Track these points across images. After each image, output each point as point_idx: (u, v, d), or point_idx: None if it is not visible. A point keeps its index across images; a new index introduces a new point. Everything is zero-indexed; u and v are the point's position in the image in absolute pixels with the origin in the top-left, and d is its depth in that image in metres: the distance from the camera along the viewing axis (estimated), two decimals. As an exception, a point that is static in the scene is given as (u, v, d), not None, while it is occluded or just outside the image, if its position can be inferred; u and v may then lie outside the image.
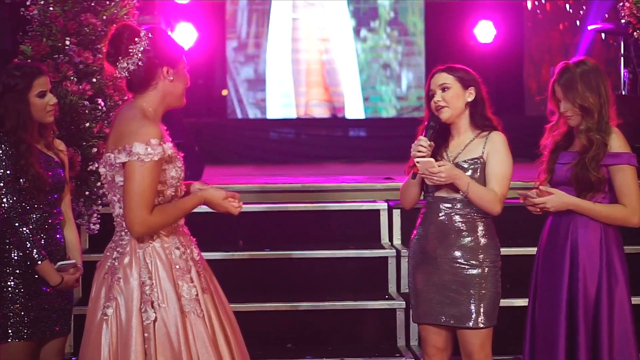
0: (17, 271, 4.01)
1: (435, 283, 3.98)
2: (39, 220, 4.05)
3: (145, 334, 3.22)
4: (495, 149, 3.95)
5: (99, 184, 5.11)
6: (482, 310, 3.93)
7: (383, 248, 5.92)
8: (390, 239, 6.04)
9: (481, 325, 3.93)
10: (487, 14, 12.19)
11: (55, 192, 4.11)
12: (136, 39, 3.29)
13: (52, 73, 4.90)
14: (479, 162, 3.95)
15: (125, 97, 3.46)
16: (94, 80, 5.27)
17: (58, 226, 4.14)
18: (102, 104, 5.30)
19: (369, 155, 10.91)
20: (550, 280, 3.97)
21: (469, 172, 3.93)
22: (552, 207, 3.90)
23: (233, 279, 5.22)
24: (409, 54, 12.81)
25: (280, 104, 12.73)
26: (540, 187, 3.95)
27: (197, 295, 3.30)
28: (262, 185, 6.56)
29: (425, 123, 3.97)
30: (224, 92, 12.72)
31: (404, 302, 5.54)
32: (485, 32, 12.18)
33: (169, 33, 3.44)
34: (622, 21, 6.38)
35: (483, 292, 3.93)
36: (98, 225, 5.32)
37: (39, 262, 3.97)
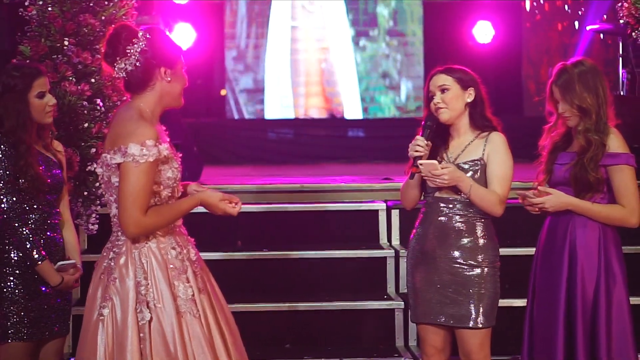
0: (17, 272, 4.01)
1: (434, 283, 3.98)
2: (38, 221, 4.05)
3: (141, 334, 3.22)
4: (495, 150, 3.95)
5: (97, 184, 5.10)
6: (481, 310, 3.93)
7: (382, 248, 5.92)
8: (389, 239, 6.04)
9: (480, 326, 3.93)
10: (486, 14, 12.19)
11: (54, 193, 4.11)
12: (134, 40, 3.29)
13: (50, 73, 4.89)
14: (479, 163, 3.95)
15: (124, 98, 3.46)
16: (93, 80, 5.27)
17: (57, 226, 4.14)
18: (101, 104, 5.29)
19: (368, 155, 10.91)
20: (549, 280, 3.97)
21: (470, 174, 3.93)
22: (551, 207, 3.90)
23: (232, 280, 5.23)
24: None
25: (279, 107, 12.73)
26: (539, 187, 3.95)
27: (193, 295, 3.30)
28: (260, 185, 6.56)
29: (423, 122, 3.97)
30: (223, 92, 12.72)
31: (403, 302, 5.54)
32: (483, 32, 12.18)
33: (167, 33, 3.44)
34: (621, 22, 6.38)
35: (482, 292, 3.94)
36: (96, 226, 5.31)
37: (39, 263, 3.97)
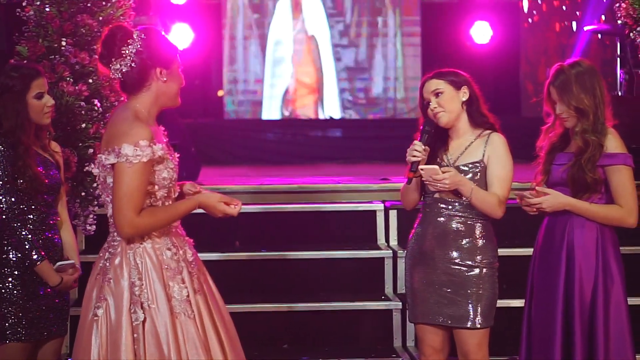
0: (16, 272, 4.01)
1: (432, 283, 3.99)
2: (37, 221, 4.05)
3: (135, 335, 3.22)
4: (496, 152, 3.96)
5: (95, 184, 5.10)
6: (479, 310, 3.94)
7: (379, 249, 5.92)
8: (387, 239, 6.04)
9: (478, 326, 3.94)
10: (484, 14, 12.19)
11: (52, 194, 4.11)
12: (129, 41, 3.29)
13: (48, 74, 4.89)
14: (479, 165, 3.96)
15: (122, 98, 3.45)
16: (90, 81, 5.26)
17: (55, 227, 4.14)
18: (99, 104, 5.29)
19: (366, 156, 10.90)
20: (547, 280, 3.97)
21: (470, 175, 3.94)
22: (548, 208, 3.90)
23: (229, 280, 5.22)
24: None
25: (277, 108, 12.73)
26: (537, 187, 3.95)
27: (188, 296, 3.30)
28: (258, 186, 6.56)
29: (421, 127, 3.97)
30: (220, 93, 12.71)
31: (401, 303, 5.54)
32: (481, 33, 12.18)
33: (163, 33, 3.43)
34: (619, 22, 6.38)
35: (480, 292, 3.94)
36: (94, 226, 5.31)
37: (38, 263, 3.97)
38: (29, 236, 3.97)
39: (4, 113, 4.01)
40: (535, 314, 4.02)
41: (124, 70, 3.30)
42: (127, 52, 3.28)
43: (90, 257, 4.73)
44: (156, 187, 3.29)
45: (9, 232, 3.98)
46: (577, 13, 11.67)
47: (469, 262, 3.95)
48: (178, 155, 3.46)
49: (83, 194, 5.25)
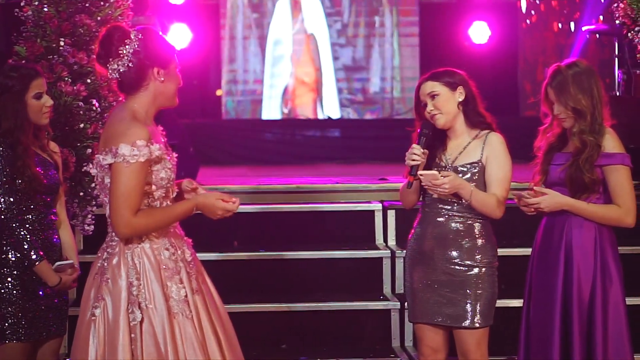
0: (15, 272, 4.01)
1: (432, 283, 3.99)
2: (35, 222, 4.05)
3: (132, 335, 3.22)
4: (494, 152, 3.96)
5: (93, 185, 5.10)
6: (478, 310, 3.94)
7: (378, 249, 5.92)
8: (385, 239, 6.04)
9: (477, 325, 3.94)
10: (482, 15, 12.19)
11: (50, 194, 4.11)
12: (126, 40, 3.29)
13: (46, 74, 4.88)
14: (477, 166, 3.96)
15: (120, 98, 3.45)
16: (89, 81, 5.27)
17: (54, 227, 4.14)
18: (97, 104, 5.29)
19: (364, 156, 10.90)
20: (545, 280, 3.97)
21: (468, 176, 3.94)
22: (546, 208, 3.90)
23: (228, 280, 5.22)
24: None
25: (276, 107, 12.73)
26: (535, 187, 3.95)
27: (186, 296, 3.30)
28: (257, 186, 6.56)
29: (419, 130, 3.97)
30: (219, 92, 12.70)
31: (399, 303, 5.54)
32: (479, 33, 12.18)
33: (160, 33, 3.43)
34: (617, 22, 6.38)
35: (479, 292, 3.95)
36: (92, 226, 5.31)
37: (37, 263, 3.97)
38: (28, 236, 3.97)
39: (3, 113, 4.01)
40: (533, 314, 4.02)
41: (121, 70, 3.30)
42: (124, 52, 3.28)
43: (88, 257, 4.73)
44: (154, 187, 3.29)
45: (8, 232, 3.98)
46: (576, 13, 11.66)
47: (469, 262, 3.95)
48: (176, 155, 3.46)
49: (81, 194, 5.25)
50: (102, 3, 5.38)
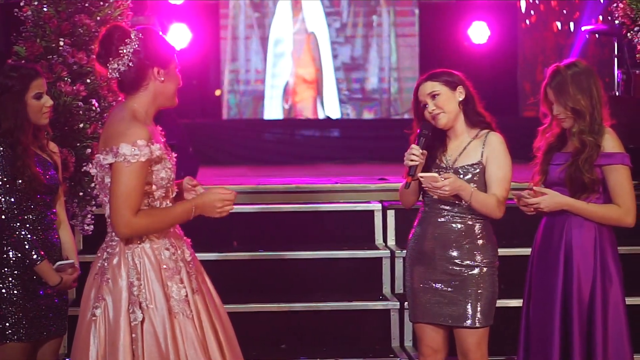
0: (15, 272, 4.01)
1: (432, 283, 3.99)
2: (35, 222, 4.05)
3: (133, 335, 3.22)
4: (494, 153, 3.96)
5: (92, 184, 5.09)
6: (479, 309, 3.94)
7: (377, 249, 5.92)
8: (385, 239, 6.04)
9: (478, 325, 3.94)
10: (481, 15, 12.19)
11: (50, 194, 4.11)
12: (127, 40, 3.29)
13: (46, 74, 4.88)
14: (478, 167, 3.96)
15: (119, 98, 3.45)
16: (88, 81, 5.26)
17: (54, 227, 4.14)
18: (96, 104, 5.29)
19: (364, 156, 10.90)
20: (545, 280, 3.97)
21: (469, 176, 3.94)
22: (546, 208, 3.90)
23: (228, 280, 5.22)
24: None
25: (275, 107, 12.75)
26: (534, 187, 3.95)
27: (186, 296, 3.30)
28: (256, 186, 6.56)
29: (418, 131, 3.96)
30: (217, 92, 12.70)
31: (398, 303, 5.54)
32: (479, 33, 12.18)
33: (160, 33, 3.43)
34: (616, 22, 6.38)
35: (480, 291, 3.95)
36: (92, 226, 5.31)
37: (38, 263, 3.97)
38: (29, 236, 3.97)
39: (3, 113, 4.01)
40: (533, 314, 4.02)
41: (121, 69, 3.29)
42: (124, 51, 3.28)
43: (88, 257, 4.73)
44: (154, 187, 3.29)
45: (9, 232, 3.98)
46: (576, 13, 11.66)
47: (469, 262, 3.95)
48: (175, 155, 3.45)
49: (81, 194, 5.25)
50: (101, 3, 5.37)
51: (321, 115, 12.79)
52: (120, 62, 3.29)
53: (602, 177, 3.89)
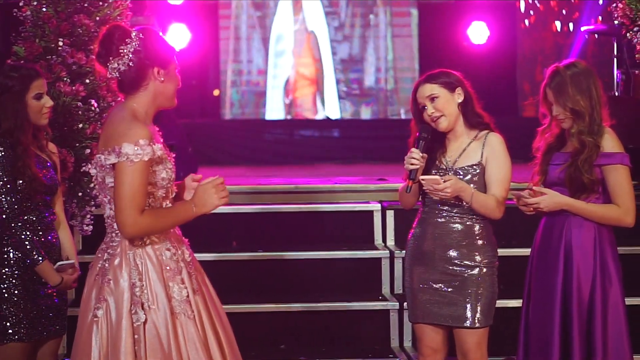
0: (16, 272, 4.01)
1: (432, 283, 3.99)
2: (35, 222, 4.05)
3: (135, 336, 3.21)
4: (494, 153, 3.96)
5: (92, 185, 5.09)
6: (478, 309, 3.94)
7: (377, 249, 5.92)
8: (384, 240, 6.04)
9: (477, 325, 3.94)
10: (481, 15, 12.19)
11: (49, 194, 4.11)
12: (127, 40, 3.28)
13: (45, 74, 4.88)
14: (478, 167, 3.96)
15: (118, 98, 3.45)
16: (87, 81, 5.26)
17: (53, 227, 4.14)
18: (96, 105, 5.28)
19: (363, 156, 10.91)
20: (545, 280, 3.97)
21: (469, 177, 3.94)
22: (546, 208, 3.90)
23: (227, 280, 5.22)
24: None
25: (274, 108, 12.76)
26: (534, 187, 3.95)
27: (188, 296, 3.29)
28: (255, 186, 6.56)
29: (417, 134, 3.95)
30: (216, 93, 12.70)
31: (398, 303, 5.54)
32: (478, 33, 12.18)
33: (160, 34, 3.43)
34: (615, 22, 6.38)
35: (480, 292, 3.95)
36: (91, 227, 5.30)
37: (39, 263, 3.97)
38: (30, 236, 3.97)
39: (3, 113, 4.00)
40: (533, 314, 4.02)
41: (121, 69, 3.29)
42: (125, 51, 3.28)
43: (87, 257, 4.73)
44: (156, 187, 3.28)
45: (9, 232, 3.98)
46: (575, 14, 11.67)
47: (469, 262, 3.95)
48: (174, 155, 3.45)
49: (80, 194, 5.25)
50: (100, 3, 5.37)
51: (320, 110, 12.80)
52: (120, 61, 3.28)
53: (601, 177, 3.89)
